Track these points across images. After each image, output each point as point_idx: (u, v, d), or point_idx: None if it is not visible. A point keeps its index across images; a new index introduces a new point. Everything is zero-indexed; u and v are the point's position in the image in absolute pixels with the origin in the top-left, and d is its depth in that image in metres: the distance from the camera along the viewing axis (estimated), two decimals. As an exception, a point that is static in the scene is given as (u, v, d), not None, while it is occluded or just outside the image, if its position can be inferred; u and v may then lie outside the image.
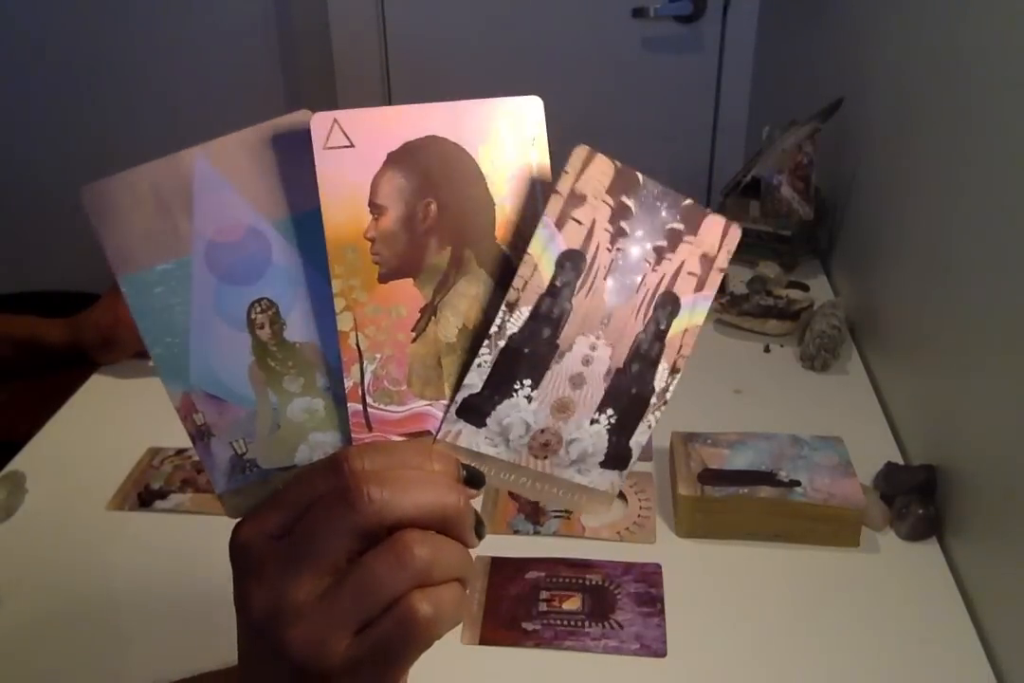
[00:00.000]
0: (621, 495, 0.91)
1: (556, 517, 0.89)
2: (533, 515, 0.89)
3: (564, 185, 0.38)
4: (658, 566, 0.82)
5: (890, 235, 1.15)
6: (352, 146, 0.37)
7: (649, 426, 0.43)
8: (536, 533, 0.87)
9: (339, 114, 0.36)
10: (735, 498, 0.84)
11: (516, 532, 0.87)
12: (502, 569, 0.82)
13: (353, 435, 0.39)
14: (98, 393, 1.12)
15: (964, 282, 0.88)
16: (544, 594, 0.79)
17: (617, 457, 0.43)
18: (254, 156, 0.37)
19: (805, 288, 1.32)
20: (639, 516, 0.89)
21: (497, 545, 0.85)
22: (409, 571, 0.35)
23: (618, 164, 0.39)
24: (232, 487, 0.40)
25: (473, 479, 0.39)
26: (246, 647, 0.39)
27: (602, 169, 0.39)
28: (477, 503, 0.90)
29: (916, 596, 0.79)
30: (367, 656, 0.35)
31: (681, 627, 0.76)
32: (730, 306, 1.23)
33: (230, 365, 0.39)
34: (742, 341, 1.21)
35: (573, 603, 0.79)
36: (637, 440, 0.43)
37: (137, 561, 0.85)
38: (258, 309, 0.38)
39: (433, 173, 0.38)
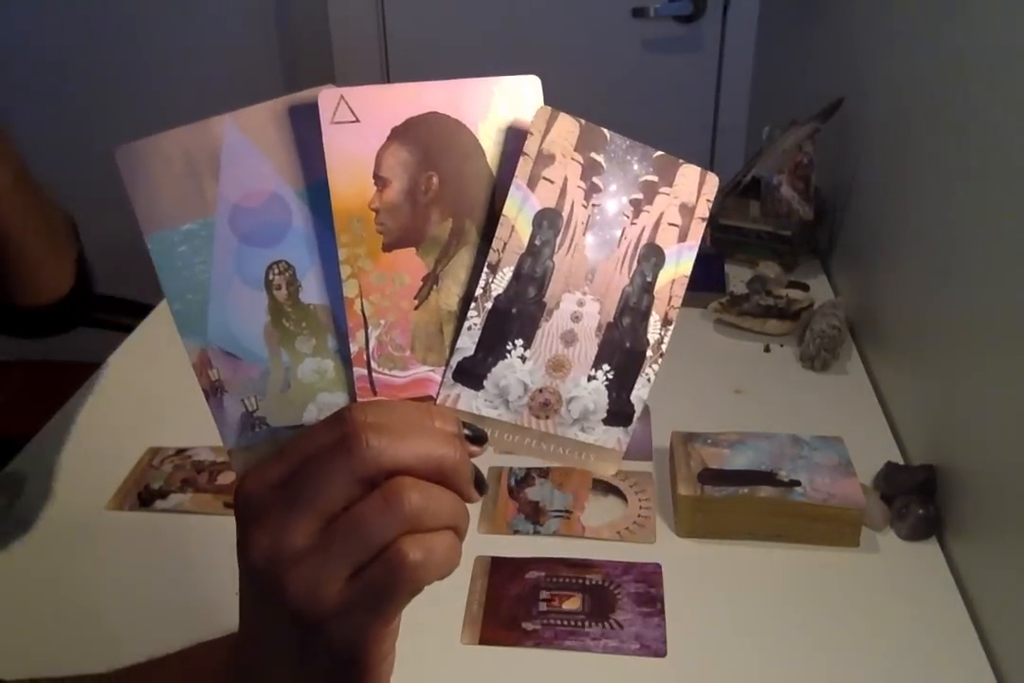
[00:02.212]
0: (621, 495, 0.92)
1: (556, 517, 0.89)
2: (533, 515, 0.89)
3: (531, 146, 0.39)
4: (658, 566, 0.82)
5: (890, 235, 1.15)
6: (358, 121, 0.38)
7: (648, 380, 0.43)
8: (536, 533, 0.87)
9: (346, 90, 0.38)
10: (735, 498, 0.84)
11: (516, 532, 0.87)
12: (502, 569, 0.82)
13: (359, 398, 0.40)
14: (98, 393, 1.12)
15: (964, 282, 0.88)
16: (544, 594, 0.79)
17: (620, 413, 0.43)
18: (280, 126, 0.39)
19: (805, 288, 1.32)
20: (639, 516, 0.89)
21: (497, 545, 0.85)
22: (399, 516, 0.35)
23: (582, 122, 0.40)
24: (242, 443, 0.41)
25: (475, 436, 0.40)
26: (246, 593, 0.40)
27: (567, 127, 0.39)
28: (476, 504, 0.90)
29: (916, 596, 0.79)
30: (358, 600, 0.36)
31: (681, 627, 0.76)
32: (730, 306, 1.23)
33: (246, 324, 0.40)
34: (742, 341, 1.21)
35: (573, 603, 0.79)
36: (638, 395, 0.43)
37: (137, 561, 0.85)
38: (276, 270, 0.40)
39: (435, 147, 0.39)
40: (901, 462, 0.95)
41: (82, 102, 2.34)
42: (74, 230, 0.92)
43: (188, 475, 0.95)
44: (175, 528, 0.89)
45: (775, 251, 1.39)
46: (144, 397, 1.11)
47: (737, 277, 1.34)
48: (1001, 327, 0.79)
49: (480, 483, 0.39)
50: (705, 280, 1.32)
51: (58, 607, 0.80)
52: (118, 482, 0.95)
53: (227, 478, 0.94)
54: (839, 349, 1.15)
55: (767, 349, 1.19)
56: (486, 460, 0.96)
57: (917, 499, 0.86)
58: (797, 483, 0.84)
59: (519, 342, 0.41)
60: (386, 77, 2.32)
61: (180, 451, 0.99)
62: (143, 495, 0.93)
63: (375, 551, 0.36)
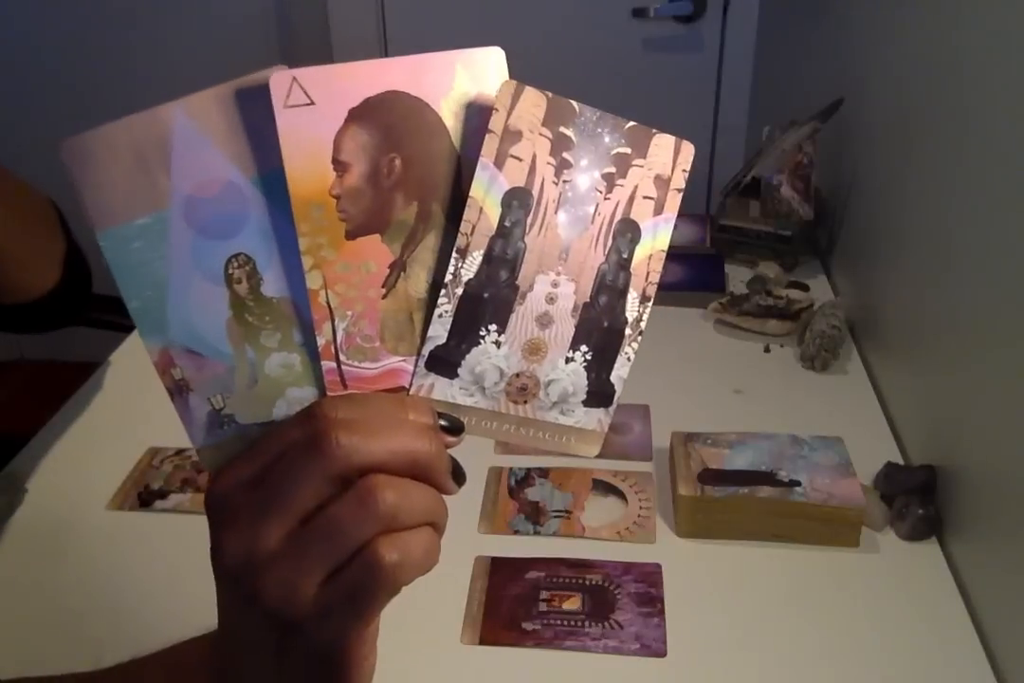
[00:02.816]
0: (621, 495, 0.92)
1: (556, 517, 0.89)
2: (533, 515, 0.89)
3: (496, 123, 0.37)
4: (658, 566, 0.82)
5: (890, 235, 1.15)
6: (313, 104, 0.36)
7: (628, 359, 0.42)
8: (536, 533, 0.87)
9: (298, 72, 0.36)
10: (735, 498, 0.84)
11: (516, 532, 0.87)
12: (502, 569, 0.82)
13: (329, 393, 0.39)
14: (98, 393, 1.12)
15: (964, 282, 0.88)
16: (544, 594, 0.79)
17: (600, 394, 0.42)
18: (230, 111, 0.37)
19: (805, 288, 1.32)
20: (639, 516, 0.89)
21: (497, 545, 0.85)
22: (373, 515, 0.34)
23: (549, 95, 0.38)
24: (210, 442, 0.40)
25: (451, 426, 0.39)
26: (223, 598, 0.39)
27: (534, 101, 0.38)
28: (476, 503, 0.91)
29: (916, 596, 0.79)
30: (335, 602, 0.35)
31: (681, 627, 0.76)
32: (730, 306, 1.23)
33: (208, 320, 0.39)
34: (742, 341, 1.21)
35: (573, 603, 0.79)
36: (618, 374, 0.42)
37: (137, 561, 0.85)
38: (235, 264, 0.38)
39: (396, 128, 0.37)
40: (901, 462, 0.95)
41: (81, 102, 2.34)
42: (60, 220, 0.88)
43: (188, 475, 0.95)
44: (175, 528, 0.89)
45: (775, 251, 1.39)
46: (144, 397, 1.10)
47: (737, 277, 1.34)
48: (1001, 327, 0.78)
49: (458, 475, 0.38)
50: (705, 280, 1.32)
51: (58, 607, 0.80)
52: (118, 482, 0.95)
53: (227, 478, 0.94)
54: (839, 349, 1.15)
55: (767, 349, 1.19)
56: (486, 460, 0.96)
57: (917, 499, 0.86)
58: (797, 483, 0.84)
59: (493, 327, 0.39)
60: (386, 77, 2.32)
61: (180, 451, 0.99)
62: (143, 495, 0.93)
63: (350, 552, 0.35)
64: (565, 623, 0.77)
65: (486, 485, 0.93)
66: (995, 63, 0.84)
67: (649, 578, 0.81)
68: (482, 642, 0.75)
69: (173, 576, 0.82)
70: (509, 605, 0.78)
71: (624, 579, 0.81)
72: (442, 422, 0.38)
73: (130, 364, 1.16)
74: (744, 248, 1.41)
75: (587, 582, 0.81)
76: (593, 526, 0.87)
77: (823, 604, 0.79)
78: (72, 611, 0.79)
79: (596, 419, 0.42)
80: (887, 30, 1.23)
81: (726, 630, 0.76)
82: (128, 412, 1.08)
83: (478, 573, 0.82)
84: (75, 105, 2.35)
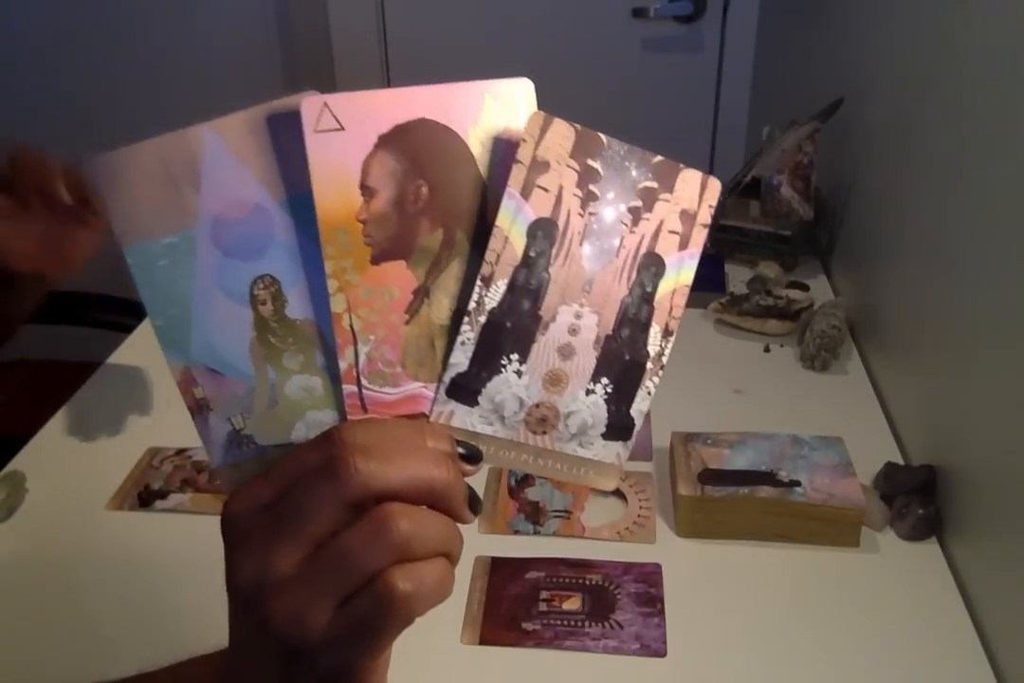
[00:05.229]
0: (621, 495, 0.92)
1: (556, 517, 0.89)
2: (533, 515, 0.89)
3: (525, 153, 0.37)
4: (658, 566, 0.82)
5: (890, 235, 1.15)
6: (342, 129, 0.37)
7: (649, 393, 0.42)
8: (536, 533, 0.87)
9: (329, 97, 0.36)
10: (735, 498, 0.84)
11: (516, 532, 0.87)
12: (502, 569, 0.82)
13: (348, 417, 0.39)
14: (98, 393, 1.12)
15: (964, 282, 0.88)
16: (544, 594, 0.79)
17: (619, 427, 0.42)
18: (260, 134, 0.38)
19: (805, 288, 1.32)
20: (639, 516, 0.89)
21: (497, 545, 0.85)
22: (387, 544, 0.34)
23: (578, 127, 0.38)
24: (228, 461, 0.40)
25: (469, 455, 0.39)
26: (235, 620, 0.39)
27: (562, 133, 0.38)
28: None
29: (916, 596, 0.79)
30: (346, 631, 0.35)
31: (681, 627, 0.76)
32: (730, 306, 1.23)
33: (231, 340, 0.39)
34: (742, 341, 1.21)
35: (573, 603, 0.79)
36: (638, 408, 0.42)
37: (137, 561, 0.85)
38: (261, 285, 0.39)
39: (423, 155, 0.37)
40: (901, 462, 0.95)
41: (81, 102, 2.34)
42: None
43: (188, 475, 0.95)
44: (175, 528, 0.89)
45: (775, 251, 1.39)
46: (144, 397, 1.11)
47: (737, 277, 1.34)
48: (1001, 327, 0.78)
49: (474, 503, 0.38)
50: (705, 280, 1.32)
51: (57, 607, 0.80)
52: (118, 482, 0.95)
53: (227, 478, 0.94)
54: (839, 349, 1.15)
55: (767, 349, 1.19)
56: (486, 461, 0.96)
57: (917, 499, 0.86)
58: (797, 483, 0.84)
59: (514, 356, 0.39)
60: (386, 77, 2.32)
61: (180, 451, 0.99)
62: (143, 495, 0.93)
63: (363, 581, 0.34)
64: (565, 623, 0.77)
65: (486, 485, 0.93)
66: (995, 63, 0.84)
67: (649, 578, 0.81)
68: (482, 642, 0.75)
69: (173, 576, 0.82)
70: (509, 605, 0.78)
71: (624, 579, 0.81)
72: (460, 450, 0.38)
73: (130, 364, 1.16)
74: (744, 248, 1.41)
75: (587, 582, 0.81)
76: (593, 526, 0.87)
77: (823, 604, 0.79)
78: (72, 611, 0.79)
79: (615, 452, 0.42)
80: (887, 30, 1.23)
81: (726, 630, 0.76)
82: (128, 412, 1.08)
83: (478, 573, 0.82)
84: (75, 105, 2.36)
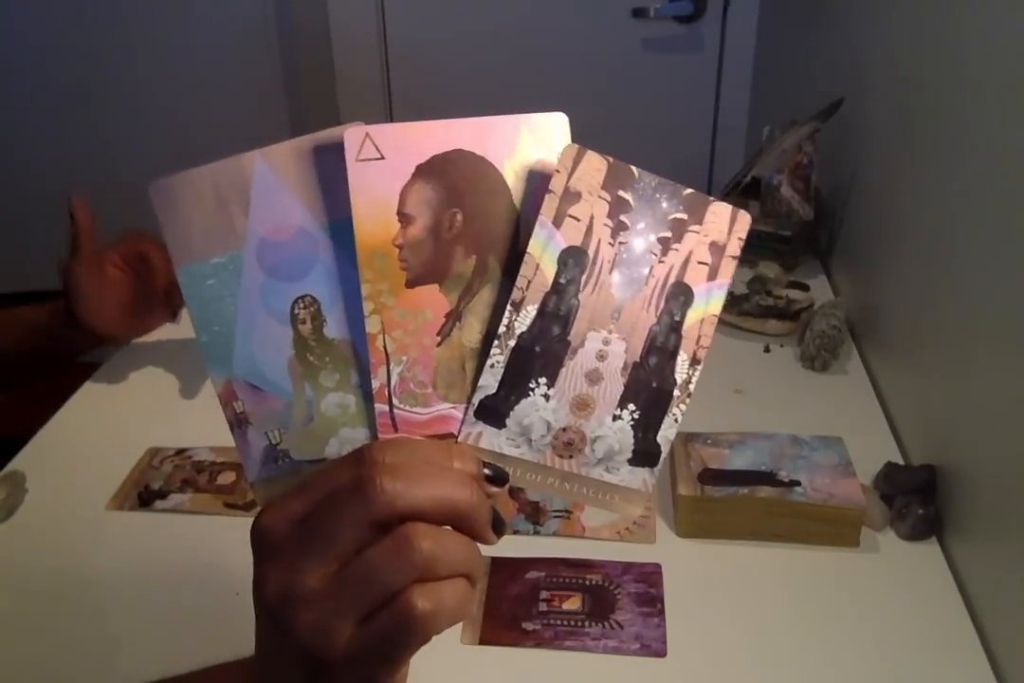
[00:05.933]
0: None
1: (556, 517, 0.89)
2: (533, 515, 0.89)
3: (557, 184, 0.39)
4: (658, 566, 0.82)
5: (890, 235, 1.15)
6: (383, 158, 0.39)
7: (675, 420, 0.43)
8: (536, 533, 0.87)
9: (371, 128, 0.38)
10: (735, 498, 0.84)
11: (516, 532, 0.87)
12: (502, 569, 0.82)
13: (380, 435, 0.40)
14: (98, 393, 1.12)
15: (964, 282, 0.88)
16: (544, 594, 0.79)
17: (646, 453, 0.43)
18: (307, 162, 0.40)
19: (805, 288, 1.32)
20: (639, 516, 0.89)
21: (497, 545, 0.84)
22: (408, 563, 0.35)
23: (610, 159, 0.40)
24: (264, 475, 0.41)
25: (495, 476, 0.39)
26: (262, 631, 0.39)
27: (595, 165, 0.39)
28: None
29: (916, 596, 0.79)
30: (367, 647, 0.35)
31: (681, 627, 0.76)
32: (730, 306, 1.23)
33: (271, 357, 0.41)
34: (742, 341, 1.21)
35: (573, 603, 0.79)
36: (665, 435, 0.43)
37: (137, 561, 0.85)
38: (301, 305, 0.40)
39: (459, 185, 0.39)
40: (901, 462, 0.95)
41: (81, 103, 2.34)
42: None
43: (188, 475, 0.95)
44: (175, 528, 0.89)
45: (775, 251, 1.39)
46: (144, 397, 1.11)
47: (737, 277, 1.33)
48: (1001, 327, 0.79)
49: (498, 525, 0.39)
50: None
51: (58, 607, 0.80)
52: (118, 482, 0.95)
53: (227, 478, 0.94)
54: (839, 349, 1.15)
55: (767, 349, 1.19)
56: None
57: (917, 499, 0.86)
58: (797, 483, 0.84)
59: (543, 380, 0.41)
60: (386, 77, 2.32)
61: (180, 451, 0.99)
62: (143, 495, 0.93)
63: (384, 599, 0.35)
64: (565, 623, 0.77)
65: (486, 485, 0.93)
66: (995, 63, 0.84)
67: (649, 578, 0.81)
68: (482, 642, 0.75)
69: (173, 576, 0.82)
70: (509, 605, 0.78)
71: (624, 579, 0.81)
72: (486, 471, 0.39)
73: (130, 364, 1.16)
74: (744, 248, 1.41)
75: (587, 582, 0.81)
76: (593, 526, 0.87)
77: (823, 604, 0.79)
78: (72, 611, 0.79)
79: (641, 478, 0.43)
80: (887, 30, 1.23)
81: (726, 630, 0.76)
82: (128, 412, 1.08)
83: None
84: (76, 105, 2.36)
